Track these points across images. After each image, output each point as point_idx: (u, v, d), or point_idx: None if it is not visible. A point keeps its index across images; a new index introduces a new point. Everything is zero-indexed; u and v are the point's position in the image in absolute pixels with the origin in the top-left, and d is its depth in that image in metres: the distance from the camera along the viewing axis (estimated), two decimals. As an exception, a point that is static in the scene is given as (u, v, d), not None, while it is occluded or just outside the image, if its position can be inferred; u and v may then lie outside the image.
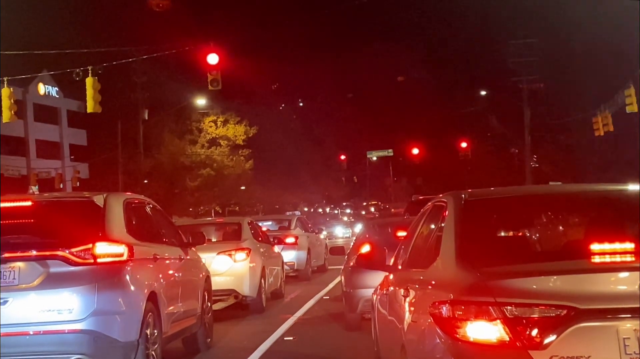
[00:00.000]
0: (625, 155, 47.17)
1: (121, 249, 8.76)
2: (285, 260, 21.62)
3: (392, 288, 7.21)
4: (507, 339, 4.75)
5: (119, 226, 9.13)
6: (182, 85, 54.50)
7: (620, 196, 6.58)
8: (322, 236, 34.11)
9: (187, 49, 31.15)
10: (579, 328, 4.67)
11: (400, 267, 7.48)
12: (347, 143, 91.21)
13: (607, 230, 5.72)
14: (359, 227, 35.96)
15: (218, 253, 16.19)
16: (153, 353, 9.20)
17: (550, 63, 51.47)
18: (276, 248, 20.35)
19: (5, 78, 28.56)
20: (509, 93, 54.84)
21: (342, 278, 14.21)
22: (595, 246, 5.11)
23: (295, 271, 24.59)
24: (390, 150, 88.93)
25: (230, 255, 16.29)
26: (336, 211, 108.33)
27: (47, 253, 8.51)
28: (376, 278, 9.05)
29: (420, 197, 30.10)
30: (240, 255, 16.37)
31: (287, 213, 50.23)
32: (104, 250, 8.63)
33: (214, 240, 18.03)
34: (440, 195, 7.04)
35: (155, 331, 9.31)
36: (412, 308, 5.94)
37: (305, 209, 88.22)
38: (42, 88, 66.98)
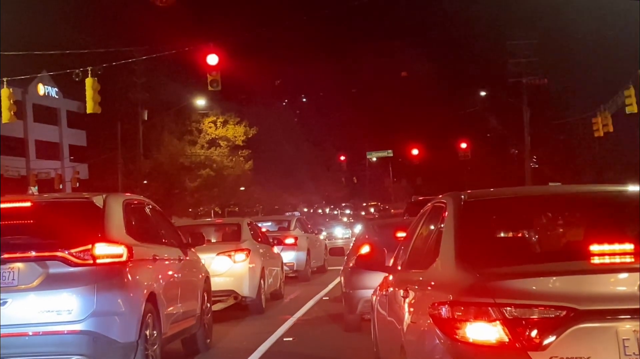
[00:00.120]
0: (625, 155, 47.19)
1: (120, 250, 8.75)
2: (284, 261, 21.61)
3: (391, 289, 7.21)
4: (507, 340, 4.75)
5: (118, 227, 9.12)
6: (182, 86, 54.54)
7: (620, 197, 6.58)
8: (321, 237, 34.12)
9: (186, 50, 31.16)
10: (578, 329, 4.67)
11: (399, 268, 7.48)
12: (347, 144, 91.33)
13: (607, 231, 5.71)
14: (358, 228, 35.99)
15: (217, 254, 16.18)
16: (152, 353, 9.19)
17: (550, 64, 51.49)
18: (276, 249, 20.34)
19: (4, 79, 28.55)
20: (508, 93, 54.83)
21: (342, 278, 14.21)
22: (594, 247, 5.11)
23: (294, 272, 24.59)
24: (389, 151, 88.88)
25: (229, 256, 16.28)
26: (336, 212, 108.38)
27: (47, 253, 8.51)
28: (376, 278, 9.04)
29: (420, 198, 30.13)
30: (240, 256, 16.36)
31: (287, 214, 50.24)
32: (104, 250, 8.62)
33: (213, 240, 18.03)
34: (440, 196, 7.03)
35: (155, 332, 9.31)
36: (412, 309, 5.94)
37: (305, 210, 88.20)
38: (41, 89, 66.99)
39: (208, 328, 12.20)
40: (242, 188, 62.71)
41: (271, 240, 20.48)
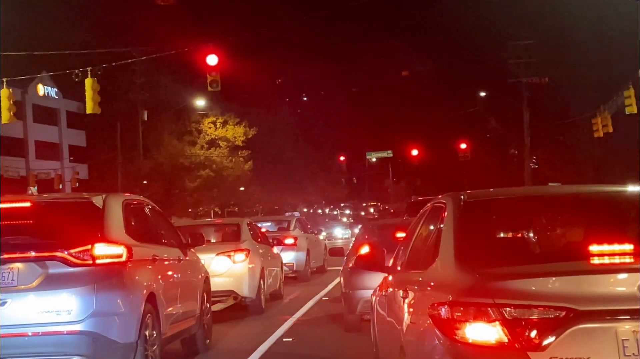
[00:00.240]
0: (625, 156, 47.18)
1: (120, 250, 8.76)
2: (284, 261, 21.62)
3: (391, 290, 7.21)
4: (506, 340, 4.75)
5: (117, 227, 9.12)
6: (182, 86, 54.54)
7: (619, 198, 6.58)
8: (321, 238, 34.12)
9: (186, 50, 31.15)
10: (577, 330, 4.67)
11: (399, 268, 7.48)
12: (347, 144, 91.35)
13: (606, 231, 5.71)
14: (357, 229, 35.95)
15: (217, 254, 16.18)
16: (152, 354, 9.19)
17: (550, 64, 51.47)
18: (275, 249, 20.34)
19: (4, 79, 28.55)
20: (508, 94, 54.82)
21: (342, 279, 14.21)
22: (594, 248, 5.11)
23: (294, 272, 24.59)
24: (389, 151, 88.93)
25: (229, 256, 16.28)
26: (335, 213, 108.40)
27: (46, 254, 8.51)
28: (375, 279, 9.04)
29: (420, 198, 30.13)
30: (240, 256, 16.36)
31: (286, 214, 50.25)
32: (103, 251, 8.62)
33: (213, 241, 18.04)
34: (440, 196, 7.03)
35: (154, 332, 9.31)
36: (411, 310, 5.94)
37: (305, 210, 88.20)
38: (41, 89, 66.98)
39: (208, 328, 12.19)
40: (241, 189, 62.71)
41: (271, 241, 20.49)
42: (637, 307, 4.66)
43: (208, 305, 12.39)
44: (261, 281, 16.88)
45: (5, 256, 8.47)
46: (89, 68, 27.97)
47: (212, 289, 13.12)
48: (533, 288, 4.86)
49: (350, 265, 13.01)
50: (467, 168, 73.86)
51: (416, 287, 6.05)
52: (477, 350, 4.82)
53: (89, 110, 28.27)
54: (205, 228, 18.30)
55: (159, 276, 9.79)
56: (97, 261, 8.54)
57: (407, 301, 6.12)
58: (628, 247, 5.11)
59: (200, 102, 54.38)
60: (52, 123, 70.69)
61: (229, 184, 59.04)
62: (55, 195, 15.85)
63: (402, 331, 6.05)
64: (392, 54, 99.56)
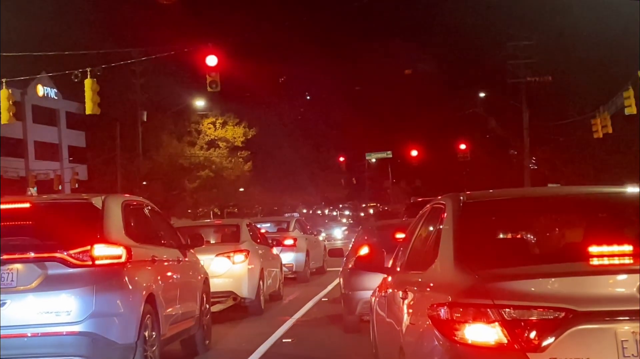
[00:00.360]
0: (624, 157, 47.17)
1: (119, 251, 8.75)
2: (283, 262, 21.61)
3: (390, 290, 7.21)
4: (506, 341, 4.75)
5: (117, 228, 9.12)
6: (181, 87, 54.54)
7: (619, 199, 6.58)
8: (320, 238, 34.12)
9: (186, 51, 31.16)
10: (577, 331, 4.67)
11: (398, 269, 7.48)
12: (346, 145, 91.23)
13: (606, 232, 5.72)
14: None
15: (216, 255, 16.18)
16: (151, 355, 9.19)
17: (549, 65, 51.45)
18: (275, 250, 20.33)
19: (3, 80, 28.53)
20: (508, 94, 54.82)
21: (341, 280, 14.21)
22: (593, 249, 5.11)
23: (293, 273, 24.59)
24: (389, 152, 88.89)
25: (228, 257, 16.28)
26: (335, 213, 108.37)
27: (46, 255, 8.51)
28: (375, 280, 9.05)
29: (419, 199, 30.13)
30: (239, 257, 16.35)
31: (286, 215, 50.23)
32: (102, 252, 8.62)
33: (212, 241, 18.05)
34: (439, 197, 7.04)
35: (154, 333, 9.30)
36: (411, 310, 5.94)
37: (304, 211, 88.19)
38: (40, 90, 67.06)
39: (207, 329, 12.19)
40: (241, 189, 62.69)
41: (270, 241, 20.49)
42: (637, 308, 4.66)
43: (207, 306, 12.38)
44: (260, 282, 16.88)
45: (5, 256, 8.47)
46: (88, 69, 27.96)
47: (212, 290, 13.12)
48: (532, 289, 4.86)
49: (350, 266, 13.02)
50: (467, 169, 73.92)
51: (415, 288, 6.05)
52: (476, 351, 4.82)
53: (88, 111, 28.26)
54: (204, 229, 18.31)
55: (159, 277, 9.79)
56: (97, 262, 8.54)
57: (406, 302, 6.12)
58: (627, 248, 5.11)
59: (199, 103, 54.39)
60: (52, 124, 70.71)
61: (229, 185, 59.03)
62: (55, 196, 15.86)
63: (402, 332, 6.05)
64: (392, 54, 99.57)
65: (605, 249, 5.10)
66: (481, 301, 4.83)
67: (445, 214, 6.13)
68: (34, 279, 8.43)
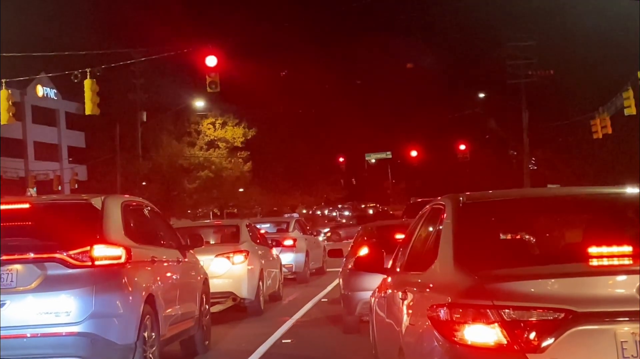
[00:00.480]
0: (624, 157, 47.19)
1: (119, 251, 8.75)
2: (283, 263, 21.60)
3: (390, 291, 7.21)
4: (505, 342, 4.74)
5: (116, 228, 9.12)
6: (181, 87, 54.56)
7: (619, 199, 6.58)
8: (320, 239, 34.09)
9: (185, 51, 31.15)
10: (576, 331, 4.66)
11: (398, 270, 7.48)
12: (346, 145, 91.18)
13: (605, 232, 5.71)
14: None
15: (216, 256, 16.17)
16: (151, 355, 9.19)
17: (549, 65, 51.52)
18: (274, 251, 20.33)
19: (3, 80, 28.54)
20: (507, 95, 54.88)
21: (341, 280, 14.21)
22: (593, 249, 5.11)
23: (293, 273, 24.57)
24: (388, 153, 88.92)
25: (228, 258, 16.27)
26: (335, 214, 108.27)
27: (45, 255, 8.51)
28: (374, 280, 9.04)
29: (419, 200, 30.12)
30: (239, 258, 16.35)
31: (285, 216, 50.22)
32: (102, 252, 8.62)
33: (212, 242, 18.03)
34: (439, 198, 7.03)
35: (153, 333, 9.30)
36: (410, 311, 5.94)
37: (304, 211, 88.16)
38: (40, 90, 67.07)
39: (206, 329, 12.19)
40: (240, 190, 62.70)
41: (270, 242, 20.48)
42: (636, 309, 4.66)
43: (207, 306, 12.38)
44: (260, 283, 16.87)
45: (5, 257, 8.47)
46: (88, 70, 27.96)
47: (211, 290, 13.11)
48: (532, 290, 4.85)
49: (350, 267, 13.01)
50: (467, 169, 73.93)
51: (415, 289, 6.05)
52: (476, 352, 4.82)
53: (88, 112, 28.26)
54: (204, 230, 18.30)
55: (158, 278, 9.79)
56: (96, 263, 8.54)
57: (406, 302, 6.12)
58: (627, 249, 5.11)
59: (199, 103, 54.39)
60: (51, 125, 70.72)
61: (228, 185, 59.04)
62: (54, 197, 15.85)
63: (401, 333, 6.05)
64: (391, 55, 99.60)
65: (604, 250, 5.10)
66: (481, 302, 4.83)
67: (445, 215, 6.13)
68: (33, 279, 8.43)
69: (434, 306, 5.15)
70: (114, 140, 51.49)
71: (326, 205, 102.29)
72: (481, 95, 65.39)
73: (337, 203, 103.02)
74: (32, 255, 8.53)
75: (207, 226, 20.50)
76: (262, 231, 22.62)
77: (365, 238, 14.72)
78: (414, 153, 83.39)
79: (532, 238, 6.51)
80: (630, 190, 6.61)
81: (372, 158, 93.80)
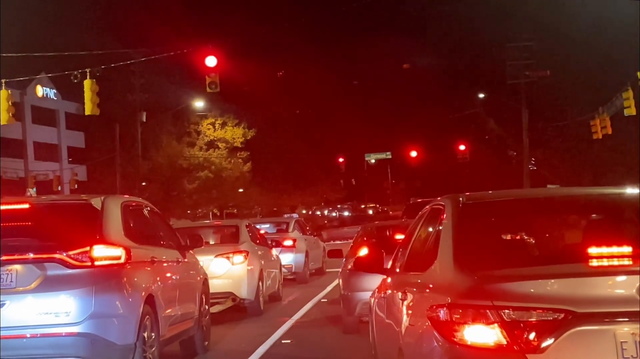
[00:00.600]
0: (624, 158, 47.18)
1: (119, 252, 8.75)
2: (283, 263, 21.60)
3: (389, 291, 7.20)
4: (505, 342, 4.74)
5: (116, 229, 9.12)
6: (180, 88, 54.54)
7: (618, 200, 6.58)
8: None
9: (185, 52, 31.15)
10: (576, 332, 4.66)
11: (398, 270, 7.47)
12: (346, 146, 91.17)
13: (605, 233, 5.71)
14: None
15: (216, 256, 16.17)
16: (150, 355, 9.19)
17: (548, 66, 51.47)
18: (274, 251, 20.33)
19: (3, 81, 28.55)
20: (507, 95, 54.84)
21: (340, 281, 14.21)
22: (593, 250, 5.11)
23: (293, 274, 24.57)
24: (388, 153, 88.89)
25: (228, 258, 16.27)
26: (334, 214, 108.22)
27: (45, 255, 8.51)
28: (374, 281, 9.04)
29: (418, 200, 30.12)
30: (238, 258, 16.34)
31: (285, 216, 50.21)
32: (102, 252, 8.62)
33: (211, 242, 18.03)
34: (438, 198, 7.03)
35: (153, 334, 9.30)
36: (410, 311, 5.94)
37: (304, 211, 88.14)
38: (40, 91, 67.08)
39: (206, 330, 12.19)
40: (240, 190, 62.69)
41: (269, 242, 20.48)
42: (636, 309, 4.66)
43: (207, 307, 12.38)
44: (260, 283, 16.87)
45: (4, 257, 8.47)
46: (87, 70, 27.96)
47: (211, 290, 13.12)
48: (532, 290, 4.85)
49: (349, 267, 13.01)
50: (466, 169, 73.92)
51: (415, 289, 6.04)
52: (475, 352, 4.82)
53: (87, 112, 28.26)
54: (203, 230, 18.29)
55: (158, 278, 9.79)
56: (96, 263, 8.54)
57: (405, 303, 6.12)
58: (626, 249, 5.11)
59: (199, 104, 54.38)
60: (51, 125, 70.71)
61: (228, 185, 59.03)
62: (54, 197, 15.85)
63: (401, 333, 6.05)
64: (391, 55, 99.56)
65: (604, 250, 5.10)
66: (480, 303, 4.83)
67: (445, 215, 6.13)
68: (33, 280, 8.43)
69: (434, 307, 5.15)
70: (114, 140, 51.46)
71: (326, 205, 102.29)
72: (481, 95, 65.33)
73: (336, 204, 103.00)
74: (31, 255, 8.53)
75: (207, 227, 20.50)
76: (262, 231, 22.62)
77: (365, 239, 14.72)
78: (413, 154, 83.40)
79: (531, 239, 6.51)
80: (630, 190, 6.60)
81: (371, 159, 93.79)
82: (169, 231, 11.49)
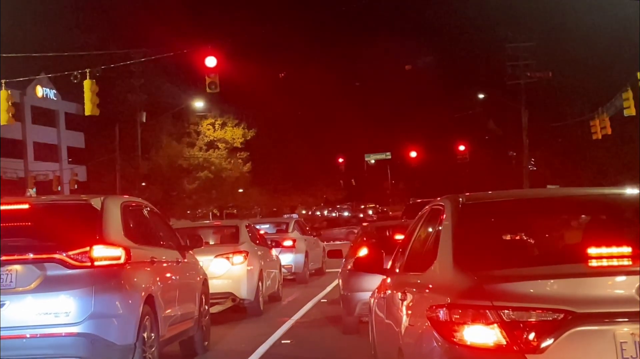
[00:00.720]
0: (623, 158, 47.22)
1: (118, 252, 8.75)
2: (282, 263, 21.59)
3: (389, 292, 7.20)
4: (504, 343, 4.74)
5: (116, 229, 9.12)
6: (180, 88, 54.60)
7: (618, 200, 6.58)
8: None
9: (185, 52, 31.17)
10: (576, 332, 4.66)
11: (397, 270, 7.47)
12: (345, 146, 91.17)
13: (605, 233, 5.71)
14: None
15: (216, 256, 16.17)
16: (150, 356, 9.18)
17: (548, 67, 51.50)
18: (274, 251, 20.32)
19: (3, 81, 28.55)
20: (507, 96, 54.87)
21: (340, 281, 14.21)
22: (592, 250, 5.11)
23: (292, 274, 24.57)
24: (388, 153, 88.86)
25: (227, 258, 16.26)
26: (334, 214, 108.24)
27: (45, 256, 8.51)
28: (374, 281, 9.04)
29: (418, 200, 30.14)
30: (238, 258, 16.34)
31: (285, 216, 50.20)
32: (101, 253, 8.62)
33: (211, 242, 18.02)
34: (438, 198, 7.03)
35: (153, 334, 9.30)
36: (410, 312, 5.94)
37: (303, 212, 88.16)
38: (40, 91, 67.10)
39: (206, 330, 12.19)
40: (240, 190, 62.70)
41: (269, 242, 20.47)
42: (636, 309, 4.66)
43: (206, 307, 12.38)
44: (259, 283, 16.87)
45: (4, 258, 8.47)
46: (87, 70, 27.99)
47: (211, 291, 13.11)
48: (531, 291, 4.85)
49: (349, 267, 13.01)
50: (466, 170, 73.95)
51: (414, 289, 6.04)
52: (475, 352, 4.81)
53: (87, 112, 28.27)
54: (203, 230, 18.28)
55: (157, 278, 9.78)
56: (96, 263, 8.54)
57: (405, 303, 6.12)
58: (626, 250, 5.11)
59: (199, 104, 54.40)
60: (51, 125, 70.72)
61: (228, 186, 59.06)
62: (54, 197, 15.85)
63: (401, 334, 6.05)
64: (391, 55, 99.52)
65: (604, 250, 5.09)
66: (480, 303, 4.83)
67: (444, 215, 6.12)
68: (33, 280, 8.43)
69: (434, 307, 5.15)
70: (114, 140, 51.49)
71: (326, 205, 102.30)
72: (481, 95, 65.36)
73: (336, 204, 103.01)
74: (31, 256, 8.53)
75: (207, 227, 20.50)
76: (262, 231, 22.62)
77: (365, 239, 14.72)
78: (413, 154, 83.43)
79: (531, 239, 6.51)
80: (630, 190, 6.61)
81: (371, 159, 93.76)
82: (168, 232, 11.49)
